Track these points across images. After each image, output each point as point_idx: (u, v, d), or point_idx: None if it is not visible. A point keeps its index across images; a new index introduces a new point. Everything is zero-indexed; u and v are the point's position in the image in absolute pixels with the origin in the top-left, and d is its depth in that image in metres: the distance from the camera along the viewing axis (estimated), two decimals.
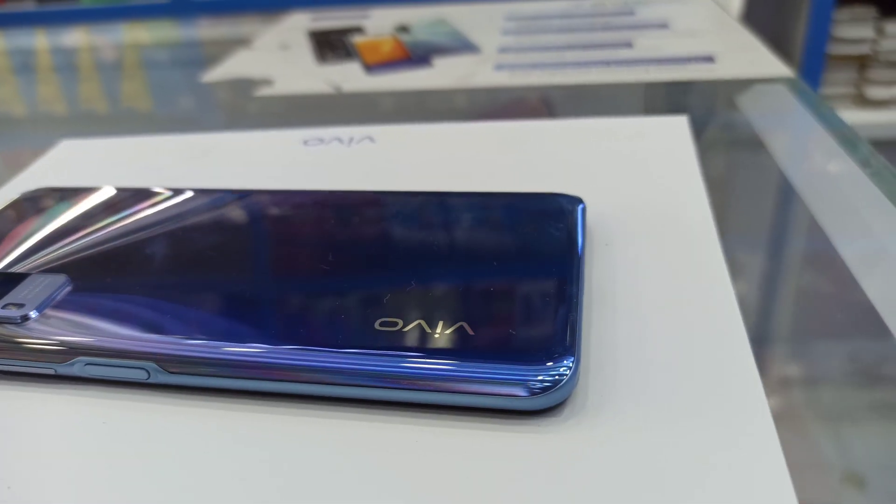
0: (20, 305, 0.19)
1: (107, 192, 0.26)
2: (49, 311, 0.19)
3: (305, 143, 0.29)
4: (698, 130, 0.41)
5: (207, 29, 0.79)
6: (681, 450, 0.15)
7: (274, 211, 0.24)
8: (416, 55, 0.52)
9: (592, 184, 0.24)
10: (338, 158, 0.28)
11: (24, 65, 0.65)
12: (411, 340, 0.17)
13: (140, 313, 0.18)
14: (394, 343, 0.17)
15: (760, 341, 0.24)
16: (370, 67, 0.50)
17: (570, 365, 0.16)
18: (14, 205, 0.25)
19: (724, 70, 0.44)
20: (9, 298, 0.19)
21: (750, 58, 0.47)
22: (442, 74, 0.48)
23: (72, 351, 0.17)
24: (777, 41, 0.76)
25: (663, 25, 0.55)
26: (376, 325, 0.17)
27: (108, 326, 0.18)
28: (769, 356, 0.24)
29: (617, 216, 0.23)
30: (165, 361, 0.17)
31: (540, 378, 0.16)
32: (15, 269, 0.21)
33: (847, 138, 0.34)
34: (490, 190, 0.24)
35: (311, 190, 0.25)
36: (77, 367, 0.17)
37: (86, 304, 0.19)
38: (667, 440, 0.15)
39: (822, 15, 0.97)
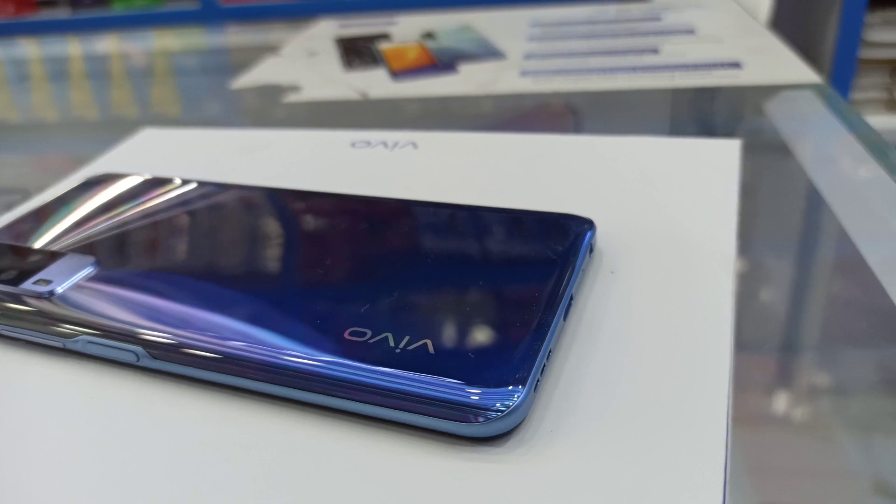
0: (48, 282, 0.21)
1: (158, 183, 0.27)
2: (71, 290, 0.20)
3: (353, 145, 0.30)
4: (725, 137, 0.41)
5: (236, 35, 0.81)
6: (615, 495, 0.14)
7: (287, 213, 0.25)
8: (442, 61, 0.52)
9: (620, 205, 0.24)
10: (378, 162, 0.28)
11: (59, 71, 0.67)
12: (371, 353, 0.17)
13: (145, 300, 0.20)
14: (354, 353, 0.17)
15: (787, 348, 0.24)
16: (396, 74, 0.50)
17: (518, 396, 0.15)
18: (78, 188, 0.27)
19: (750, 76, 0.44)
20: (42, 274, 0.21)
21: (777, 64, 0.47)
22: (467, 81, 0.48)
23: (77, 328, 0.19)
24: (807, 46, 0.75)
25: (689, 31, 0.55)
26: (346, 334, 0.18)
27: (114, 309, 0.19)
28: (796, 363, 0.23)
29: (633, 242, 0.22)
30: (151, 347, 0.18)
31: (482, 407, 0.15)
32: (57, 247, 0.23)
33: (875, 145, 0.33)
34: (516, 203, 0.23)
35: (324, 193, 0.26)
36: (80, 344, 0.19)
37: (105, 286, 0.21)
38: (605, 483, 0.14)
39: (852, 19, 0.95)
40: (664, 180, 0.25)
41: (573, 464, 0.15)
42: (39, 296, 0.20)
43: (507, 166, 0.27)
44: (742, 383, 0.23)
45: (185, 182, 0.27)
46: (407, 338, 0.17)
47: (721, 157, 0.26)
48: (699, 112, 0.43)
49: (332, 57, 0.56)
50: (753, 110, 0.41)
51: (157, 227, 0.24)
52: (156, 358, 0.18)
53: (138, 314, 0.19)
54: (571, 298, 0.19)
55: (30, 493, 0.15)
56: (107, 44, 0.77)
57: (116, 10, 1.09)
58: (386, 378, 0.16)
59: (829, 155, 0.37)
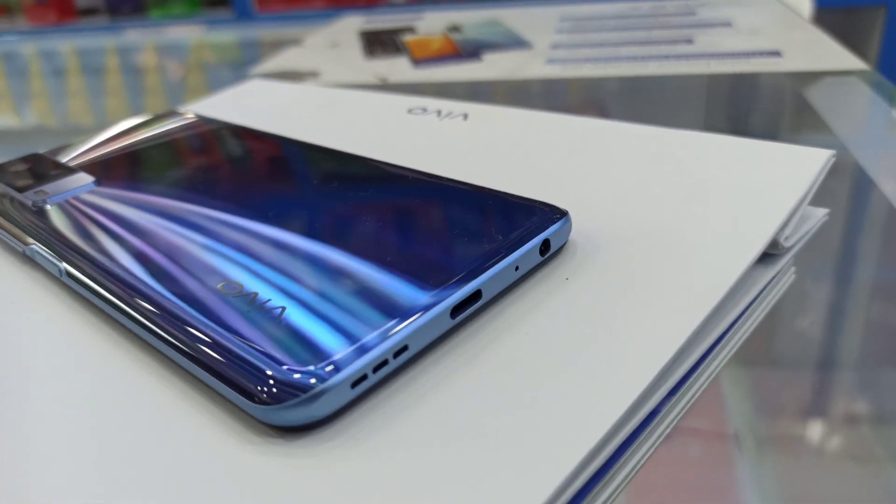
0: (45, 193, 0.22)
1: (205, 124, 0.28)
2: (59, 204, 0.22)
3: (410, 111, 0.30)
4: (764, 124, 0.39)
5: (267, 31, 0.80)
6: None
7: (271, 161, 0.25)
8: (466, 51, 0.51)
9: (641, 206, 0.20)
10: (425, 129, 0.28)
11: (96, 71, 0.67)
12: (220, 305, 0.16)
13: (105, 225, 0.20)
14: (207, 304, 0.16)
15: (831, 366, 0.21)
16: (418, 62, 0.49)
17: (312, 390, 0.13)
18: (146, 120, 0.29)
19: (791, 63, 0.42)
20: (46, 186, 0.23)
21: (820, 52, 0.44)
22: (491, 68, 0.46)
23: (36, 237, 0.20)
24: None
25: (726, 24, 0.52)
26: (219, 285, 0.17)
27: (72, 226, 0.20)
28: (838, 385, 0.21)
29: (622, 249, 0.18)
30: (68, 265, 0.18)
31: (268, 387, 0.13)
32: (80, 164, 0.24)
33: None
34: (531, 186, 0.20)
35: (310, 144, 0.25)
36: (30, 251, 0.20)
37: (88, 206, 0.21)
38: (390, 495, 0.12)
39: None
40: (712, 187, 0.21)
41: (355, 481, 0.13)
42: (33, 203, 0.21)
43: (549, 148, 0.24)
44: (789, 406, 0.20)
45: (215, 123, 0.28)
46: (269, 300, 0.16)
47: (797, 170, 0.21)
48: (735, 97, 0.41)
49: (354, 47, 0.55)
50: (794, 96, 0.39)
51: (157, 159, 0.25)
52: (70, 276, 0.18)
53: (86, 236, 0.20)
54: (479, 295, 0.16)
55: None
56: (142, 41, 0.77)
57: (153, 17, 1.10)
58: (209, 337, 0.15)
59: (882, 141, 0.34)
